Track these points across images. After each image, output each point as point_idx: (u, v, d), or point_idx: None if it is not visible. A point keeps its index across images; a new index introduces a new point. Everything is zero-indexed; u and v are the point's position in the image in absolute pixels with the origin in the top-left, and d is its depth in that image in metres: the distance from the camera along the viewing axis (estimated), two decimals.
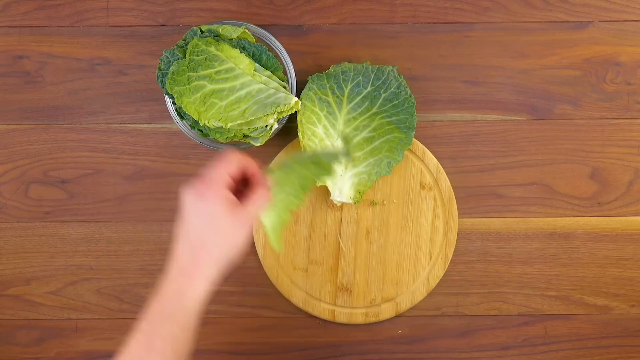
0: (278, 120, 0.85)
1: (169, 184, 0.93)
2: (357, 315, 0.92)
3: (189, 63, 0.82)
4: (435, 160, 0.93)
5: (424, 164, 0.93)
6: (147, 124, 0.93)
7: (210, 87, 0.82)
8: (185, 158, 0.93)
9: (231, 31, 0.85)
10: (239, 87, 0.82)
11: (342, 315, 0.92)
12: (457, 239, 0.92)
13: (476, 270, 0.93)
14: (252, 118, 0.81)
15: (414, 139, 0.91)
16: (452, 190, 0.92)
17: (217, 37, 0.85)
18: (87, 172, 0.93)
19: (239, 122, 0.82)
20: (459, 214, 0.92)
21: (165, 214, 0.93)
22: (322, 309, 0.92)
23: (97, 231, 0.93)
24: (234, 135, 0.85)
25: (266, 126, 0.84)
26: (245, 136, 0.86)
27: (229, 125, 0.82)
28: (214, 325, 0.92)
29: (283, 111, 0.83)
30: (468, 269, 0.92)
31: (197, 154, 0.93)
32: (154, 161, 0.93)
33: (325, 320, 0.91)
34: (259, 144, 0.85)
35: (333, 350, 0.91)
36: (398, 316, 0.92)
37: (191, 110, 0.81)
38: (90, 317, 0.92)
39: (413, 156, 0.93)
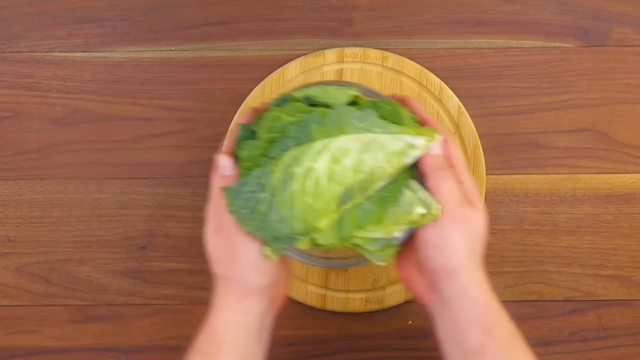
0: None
1: (111, 130, 0.82)
2: (355, 301, 0.81)
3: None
4: (457, 99, 0.80)
5: (441, 104, 0.80)
6: (82, 52, 0.82)
7: None
8: (132, 96, 0.82)
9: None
10: None
11: (336, 301, 0.81)
12: (485, 202, 0.81)
13: (510, 243, 0.81)
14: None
15: (430, 73, 0.79)
16: (478, 138, 0.80)
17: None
18: (3, 114, 0.82)
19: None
20: (487, 169, 0.80)
21: (105, 170, 0.82)
22: (309, 294, 0.80)
23: (16, 192, 0.82)
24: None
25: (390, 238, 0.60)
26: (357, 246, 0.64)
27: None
28: (165, 314, 0.81)
29: (417, 221, 0.58)
30: (499, 241, 0.81)
31: (147, 92, 0.82)
32: (91, 101, 0.82)
33: (313, 308, 0.81)
34: (382, 263, 0.65)
35: (325, 347, 0.82)
36: (407, 302, 0.81)
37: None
38: (8, 303, 0.82)
39: (428, 94, 0.81)
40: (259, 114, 0.58)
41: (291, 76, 0.78)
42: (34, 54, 0.81)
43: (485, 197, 0.80)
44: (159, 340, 0.79)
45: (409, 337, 0.82)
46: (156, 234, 0.78)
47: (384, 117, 0.55)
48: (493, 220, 0.80)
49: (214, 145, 0.76)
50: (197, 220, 0.75)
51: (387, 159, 0.54)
